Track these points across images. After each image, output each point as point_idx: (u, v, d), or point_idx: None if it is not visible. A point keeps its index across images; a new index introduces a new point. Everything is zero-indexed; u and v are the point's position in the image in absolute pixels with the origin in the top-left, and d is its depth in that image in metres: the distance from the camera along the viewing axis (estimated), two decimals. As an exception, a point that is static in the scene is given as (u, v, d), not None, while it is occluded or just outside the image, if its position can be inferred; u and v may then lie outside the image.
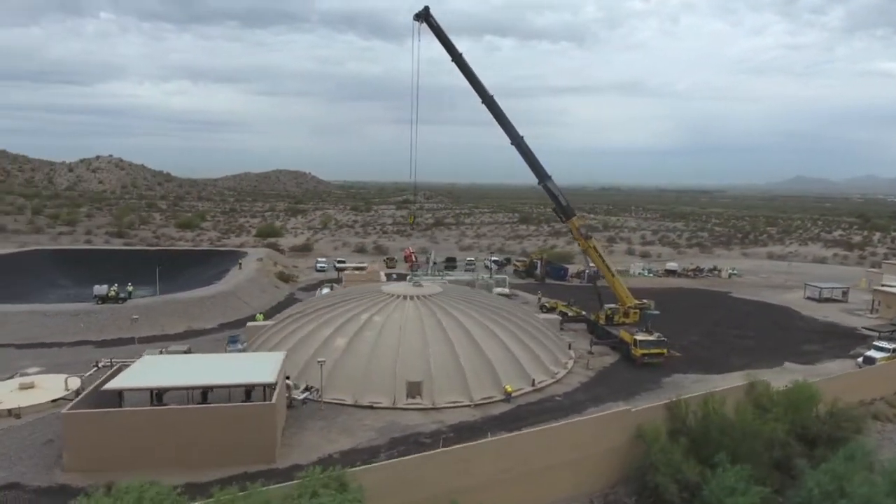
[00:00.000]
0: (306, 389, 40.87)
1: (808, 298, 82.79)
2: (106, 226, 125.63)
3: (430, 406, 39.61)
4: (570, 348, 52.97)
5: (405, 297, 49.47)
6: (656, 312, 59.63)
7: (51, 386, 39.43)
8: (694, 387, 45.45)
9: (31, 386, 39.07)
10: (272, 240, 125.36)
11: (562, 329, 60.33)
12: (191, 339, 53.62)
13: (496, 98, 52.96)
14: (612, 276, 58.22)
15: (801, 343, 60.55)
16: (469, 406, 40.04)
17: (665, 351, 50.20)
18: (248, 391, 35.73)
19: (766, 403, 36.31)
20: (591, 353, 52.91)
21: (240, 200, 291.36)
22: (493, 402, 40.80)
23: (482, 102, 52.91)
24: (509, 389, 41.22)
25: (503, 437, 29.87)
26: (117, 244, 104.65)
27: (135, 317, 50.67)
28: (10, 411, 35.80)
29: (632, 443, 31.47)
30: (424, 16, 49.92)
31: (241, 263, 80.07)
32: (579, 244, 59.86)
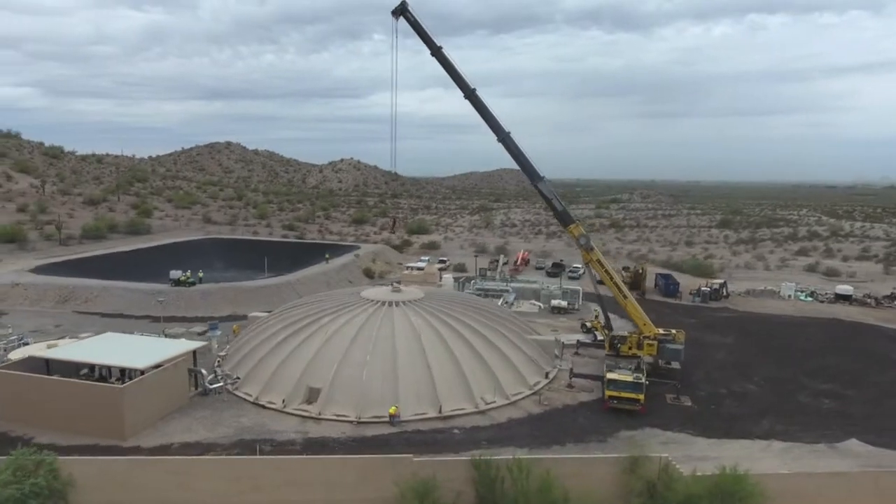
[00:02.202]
0: (236, 379, 43.59)
1: None
2: (289, 219, 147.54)
3: (315, 415, 38.72)
4: (547, 377, 45.84)
5: (375, 303, 48.66)
6: (679, 347, 47.24)
7: (70, 349, 49.21)
8: (656, 448, 35.61)
9: (55, 346, 49.35)
10: (415, 237, 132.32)
11: (577, 353, 52.33)
12: (226, 322, 60.37)
13: (478, 91, 47.86)
14: (624, 296, 47.88)
15: (924, 415, 41.97)
16: (351, 422, 38.03)
17: (641, 397, 39.86)
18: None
19: (641, 489, 26.86)
20: (570, 385, 44.94)
21: (446, 198, 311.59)
22: (378, 423, 38.03)
23: (465, 97, 48.53)
24: (393, 411, 37.88)
25: (235, 457, 28.09)
26: (276, 235, 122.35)
27: (160, 299, 59.83)
28: (20, 364, 45.95)
29: (406, 496, 26.57)
30: (401, 11, 47.85)
31: (328, 258, 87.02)
32: (582, 256, 50.67)
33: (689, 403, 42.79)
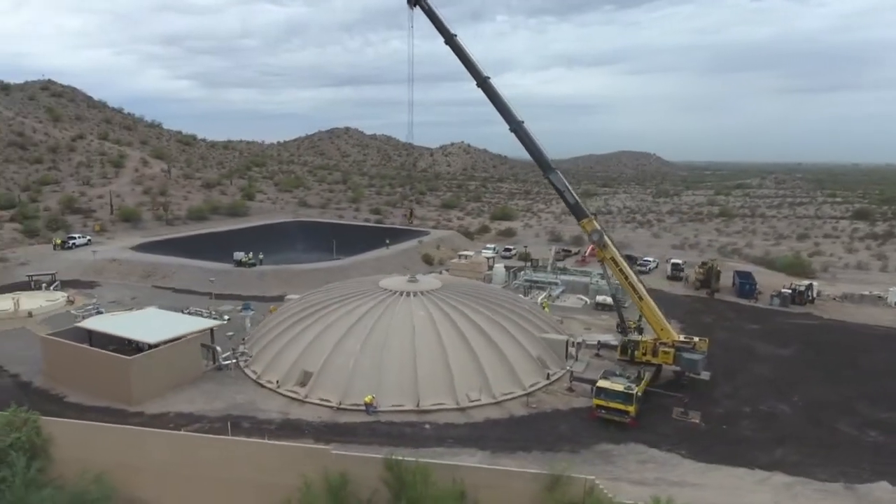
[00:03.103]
0: (248, 358, 46.89)
1: None
2: (379, 203, 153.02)
3: (302, 398, 40.59)
4: (548, 378, 43.94)
5: (388, 292, 49.58)
6: (697, 357, 42.48)
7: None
8: (632, 467, 33.25)
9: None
10: (497, 223, 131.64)
11: (598, 355, 49.53)
12: (270, 302, 64.49)
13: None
14: (640, 297, 44.04)
15: None
16: (331, 407, 39.38)
17: (631, 409, 36.78)
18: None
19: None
20: (570, 389, 42.70)
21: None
22: (356, 411, 38.97)
23: (477, 86, 47.06)
24: (368, 400, 38.57)
25: (175, 433, 30.25)
26: (360, 219, 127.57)
27: (211, 279, 65.06)
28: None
29: (312, 488, 27.19)
30: (416, 0, 47.31)
31: (388, 243, 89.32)
32: (596, 254, 47.11)
33: (697, 421, 38.74)
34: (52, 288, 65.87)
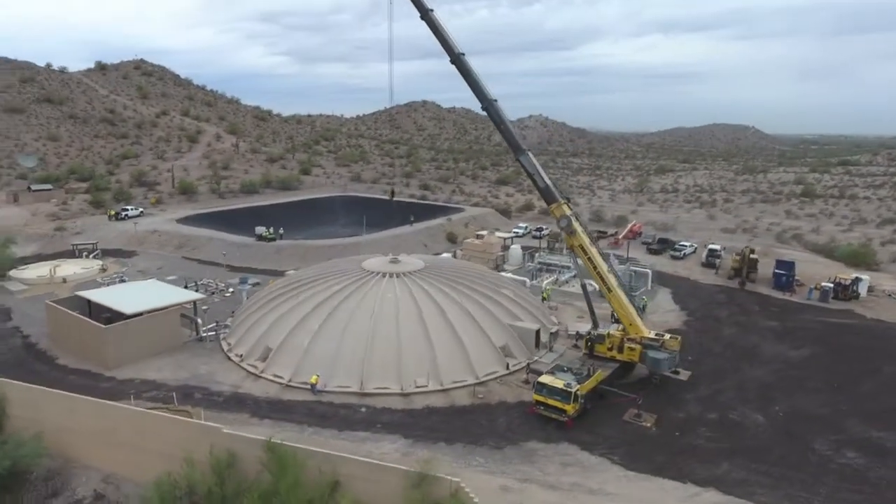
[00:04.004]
0: (226, 330, 49.15)
1: None
2: (431, 179, 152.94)
3: (258, 373, 42.03)
4: (508, 368, 42.60)
5: (368, 273, 49.84)
6: (662, 356, 39.04)
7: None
8: (551, 469, 31.76)
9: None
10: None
11: (576, 346, 47.43)
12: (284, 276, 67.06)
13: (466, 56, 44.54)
14: (609, 289, 41.07)
15: None
16: (279, 384, 40.49)
17: (570, 408, 34.76)
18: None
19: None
20: (527, 381, 41.11)
21: (629, 157, 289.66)
22: (302, 389, 39.79)
23: (451, 62, 45.18)
24: (314, 380, 39.22)
25: (106, 402, 32.09)
26: (405, 195, 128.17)
27: (223, 252, 67.91)
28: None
29: (189, 463, 28.08)
30: (393, -26, 45.98)
31: (412, 220, 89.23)
32: (565, 241, 44.13)
33: (649, 425, 36.09)
34: (91, 256, 71.99)
